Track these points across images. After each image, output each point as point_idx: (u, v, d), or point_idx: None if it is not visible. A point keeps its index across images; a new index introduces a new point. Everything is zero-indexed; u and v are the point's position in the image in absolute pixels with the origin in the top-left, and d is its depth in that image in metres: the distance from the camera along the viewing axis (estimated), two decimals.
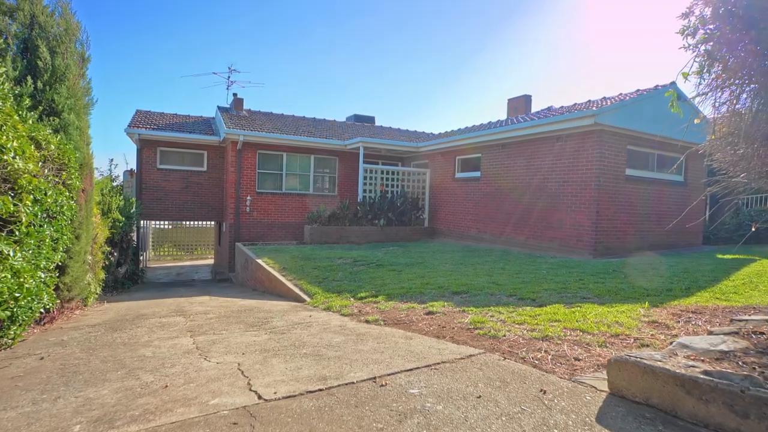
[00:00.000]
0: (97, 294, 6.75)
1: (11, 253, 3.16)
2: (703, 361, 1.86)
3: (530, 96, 15.69)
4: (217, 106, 13.63)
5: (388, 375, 2.29)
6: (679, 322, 3.41)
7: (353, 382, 2.20)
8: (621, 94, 10.02)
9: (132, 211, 9.55)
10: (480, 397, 1.97)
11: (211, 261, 16.68)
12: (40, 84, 4.90)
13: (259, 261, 8.26)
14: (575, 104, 10.92)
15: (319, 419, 1.81)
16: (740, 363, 1.80)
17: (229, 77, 14.85)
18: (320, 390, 2.13)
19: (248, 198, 11.75)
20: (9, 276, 3.23)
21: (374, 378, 2.25)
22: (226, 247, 12.32)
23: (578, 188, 8.67)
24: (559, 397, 1.94)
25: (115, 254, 8.43)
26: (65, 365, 2.98)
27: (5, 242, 3.10)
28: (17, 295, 3.38)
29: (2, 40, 4.58)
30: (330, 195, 13.01)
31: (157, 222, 16.88)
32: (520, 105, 15.60)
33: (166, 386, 2.38)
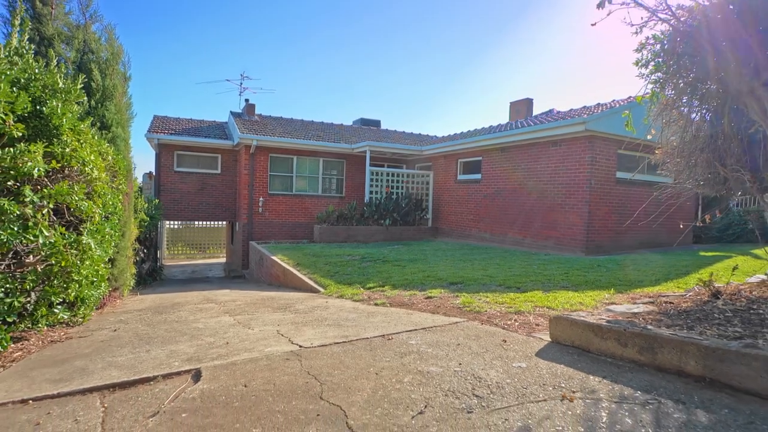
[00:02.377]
0: (130, 286, 7.66)
1: (93, 246, 4.04)
2: (617, 318, 2.69)
3: (532, 99, 16.49)
4: (230, 112, 14.57)
5: (394, 334, 3.14)
6: (633, 303, 4.22)
7: (367, 338, 3.06)
8: (614, 100, 10.80)
9: (155, 211, 10.48)
10: (459, 344, 2.82)
11: (222, 259, 17.62)
12: (93, 102, 5.81)
13: (275, 258, 9.14)
14: (571, 110, 11.72)
15: (345, 356, 2.67)
16: (640, 318, 2.63)
17: (241, 84, 15.82)
18: (344, 342, 2.98)
19: (260, 199, 12.65)
20: (89, 264, 4.11)
21: (383, 335, 3.11)
22: (239, 246, 13.24)
23: (572, 190, 9.47)
24: (515, 344, 2.78)
25: (144, 251, 9.37)
26: (138, 334, 3.86)
27: (90, 237, 3.99)
28: (94, 280, 4.27)
29: (63, 65, 5.49)
30: (338, 196, 13.89)
31: (171, 222, 17.85)
32: (521, 108, 16.40)
33: (227, 343, 3.24)
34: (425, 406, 1.93)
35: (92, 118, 5.18)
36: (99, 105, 5.85)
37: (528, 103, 16.28)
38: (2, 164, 3.25)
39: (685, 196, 4.33)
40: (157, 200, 10.87)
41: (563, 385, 2.08)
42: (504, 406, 1.90)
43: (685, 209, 10.61)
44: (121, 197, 5.50)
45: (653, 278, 5.84)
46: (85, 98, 5.61)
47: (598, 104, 11.00)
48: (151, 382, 2.46)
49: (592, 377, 2.16)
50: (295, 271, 7.87)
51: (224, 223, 16.92)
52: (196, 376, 2.49)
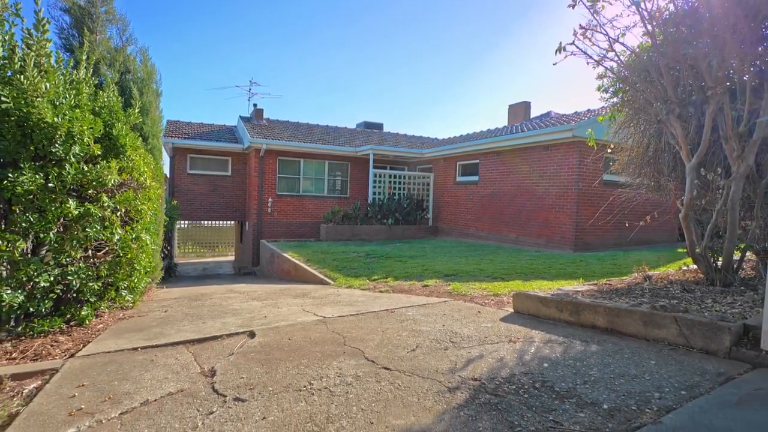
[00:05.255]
0: (157, 281, 8.67)
1: (148, 241, 5.04)
2: (559, 294, 3.66)
3: (529, 102, 17.41)
4: (240, 116, 15.59)
5: (395, 308, 4.14)
6: (582, 285, 5.18)
7: (375, 311, 4.05)
8: (603, 107, 11.74)
9: (172, 212, 11.50)
10: (444, 314, 3.81)
11: (231, 257, 18.66)
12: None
13: (286, 255, 10.14)
14: (564, 115, 12.67)
15: (358, 322, 3.66)
16: (580, 294, 3.61)
17: (250, 89, 16.84)
18: (357, 314, 3.98)
19: (269, 200, 13.66)
20: (144, 256, 5.11)
21: (387, 309, 4.10)
22: (248, 244, 14.25)
23: (561, 192, 10.43)
24: (486, 314, 3.76)
25: (168, 249, 10.40)
26: (187, 313, 4.85)
27: (147, 233, 4.99)
28: (147, 270, 5.27)
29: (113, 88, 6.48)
30: (342, 197, 14.89)
31: (181, 222, 18.92)
32: (519, 111, 17.35)
33: (265, 317, 4.24)
34: (416, 347, 2.92)
35: (136, 133, 6.17)
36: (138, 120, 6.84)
37: (526, 106, 17.23)
38: (88, 177, 4.24)
39: (645, 198, 5.26)
40: (175, 201, 11.88)
41: (512, 335, 3.07)
42: (469, 346, 2.89)
43: (672, 210, 11.52)
44: (159, 200, 6.50)
45: (625, 271, 6.79)
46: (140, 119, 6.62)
47: (588, 110, 11.95)
48: (218, 339, 3.46)
49: (534, 331, 3.14)
50: (306, 267, 8.86)
51: (233, 222, 17.93)
52: (251, 335, 3.49)
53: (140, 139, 5.97)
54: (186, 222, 19.69)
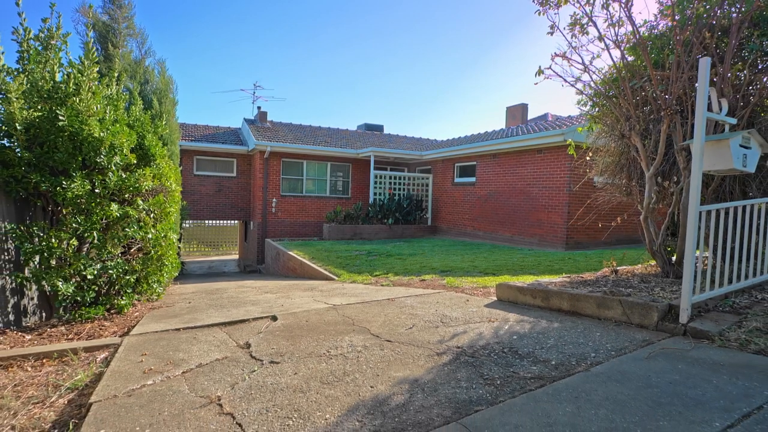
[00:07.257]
0: (173, 277, 9.34)
1: (174, 239, 5.72)
2: (534, 284, 4.35)
3: (527, 104, 18.08)
4: (244, 119, 16.26)
5: (395, 298, 4.82)
6: (559, 278, 5.86)
7: (378, 300, 4.74)
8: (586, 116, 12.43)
9: (182, 212, 12.18)
10: (438, 302, 4.49)
11: (235, 256, 19.34)
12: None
13: (291, 253, 10.83)
14: (558, 119, 13.35)
15: (364, 308, 4.35)
16: (553, 285, 4.28)
17: (254, 93, 17.51)
18: (362, 302, 4.67)
19: (273, 200, 14.34)
20: (171, 253, 5.79)
21: (388, 299, 4.79)
22: (253, 243, 14.93)
23: (554, 193, 11.11)
24: (474, 302, 4.45)
25: (180, 247, 11.08)
26: (210, 304, 5.53)
27: (173, 232, 5.67)
28: (174, 265, 5.95)
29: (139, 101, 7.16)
30: (344, 197, 15.57)
31: (185, 221, 19.60)
32: (517, 113, 18.01)
33: (282, 305, 4.92)
34: (413, 326, 3.61)
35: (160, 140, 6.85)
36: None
37: (523, 108, 17.91)
38: (127, 183, 4.92)
39: (622, 200, 5.92)
40: (185, 202, 12.56)
41: (492, 317, 3.75)
42: (456, 325, 3.58)
43: (660, 211, 12.19)
44: (179, 203, 7.18)
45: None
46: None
47: (581, 114, 12.61)
48: (246, 322, 4.14)
49: (510, 314, 3.83)
50: (311, 264, 9.55)
51: (236, 222, 18.61)
52: (274, 318, 4.17)
53: (165, 148, 6.64)
54: (190, 221, 20.38)
